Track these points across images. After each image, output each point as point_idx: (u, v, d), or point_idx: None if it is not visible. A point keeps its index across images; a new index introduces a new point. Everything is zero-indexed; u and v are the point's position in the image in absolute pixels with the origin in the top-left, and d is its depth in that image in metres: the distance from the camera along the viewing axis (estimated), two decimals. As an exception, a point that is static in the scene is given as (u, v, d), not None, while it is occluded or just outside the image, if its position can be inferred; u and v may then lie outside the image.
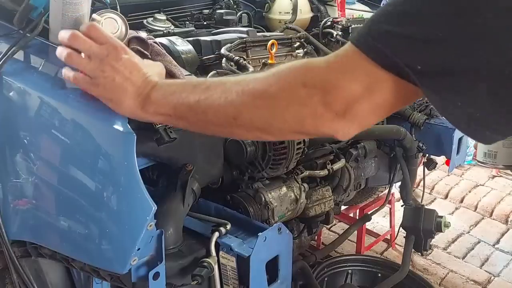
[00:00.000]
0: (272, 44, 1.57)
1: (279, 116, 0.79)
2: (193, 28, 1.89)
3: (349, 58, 0.74)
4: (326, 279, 2.27)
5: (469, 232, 3.30)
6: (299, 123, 0.79)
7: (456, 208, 3.58)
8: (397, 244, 3.06)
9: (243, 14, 2.15)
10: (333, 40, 2.05)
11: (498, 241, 3.19)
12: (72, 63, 1.00)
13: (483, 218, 3.46)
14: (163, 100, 0.94)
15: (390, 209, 3.01)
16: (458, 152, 1.99)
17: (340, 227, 3.15)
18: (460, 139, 1.96)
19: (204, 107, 0.88)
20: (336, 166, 1.72)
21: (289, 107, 0.78)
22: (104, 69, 0.97)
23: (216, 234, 1.21)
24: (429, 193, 3.73)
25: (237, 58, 1.57)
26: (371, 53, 0.71)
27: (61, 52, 1.00)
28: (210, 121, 0.89)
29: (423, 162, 2.25)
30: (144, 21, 1.81)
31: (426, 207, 1.91)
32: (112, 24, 1.12)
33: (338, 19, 2.09)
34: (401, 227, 1.96)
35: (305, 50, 1.86)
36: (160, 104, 0.94)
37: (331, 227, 3.16)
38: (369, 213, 2.54)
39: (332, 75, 0.75)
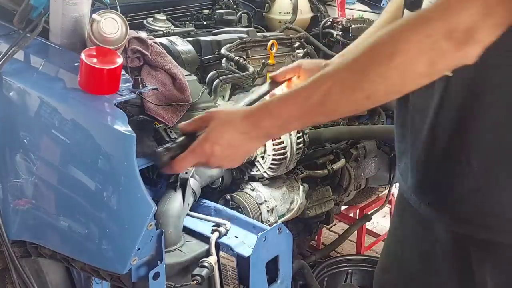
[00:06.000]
0: (272, 44, 1.57)
1: (411, 72, 0.80)
2: (193, 28, 1.89)
3: None
4: (326, 279, 2.26)
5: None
6: (432, 67, 0.79)
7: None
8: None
9: (243, 14, 2.15)
10: (333, 40, 2.05)
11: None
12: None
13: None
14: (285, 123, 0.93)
15: (390, 209, 3.01)
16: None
17: (340, 227, 3.14)
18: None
19: (329, 106, 0.87)
20: (336, 166, 1.72)
21: (419, 59, 0.78)
22: (215, 166, 1.01)
23: (216, 234, 1.21)
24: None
25: (237, 58, 1.57)
26: None
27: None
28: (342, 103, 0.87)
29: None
30: (144, 21, 1.81)
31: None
32: (112, 24, 1.12)
33: (338, 19, 2.09)
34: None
35: (305, 50, 1.86)
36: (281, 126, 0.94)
37: (331, 227, 3.16)
38: (369, 213, 2.54)
39: (448, 17, 0.76)
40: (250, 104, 1.17)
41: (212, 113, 0.99)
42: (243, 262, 1.18)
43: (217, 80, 1.43)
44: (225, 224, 1.24)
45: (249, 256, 1.16)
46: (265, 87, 1.22)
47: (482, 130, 0.87)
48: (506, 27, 0.75)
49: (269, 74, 1.27)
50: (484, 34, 0.75)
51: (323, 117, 0.96)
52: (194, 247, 1.22)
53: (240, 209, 1.43)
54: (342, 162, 1.74)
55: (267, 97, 1.21)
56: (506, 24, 0.75)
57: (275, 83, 1.21)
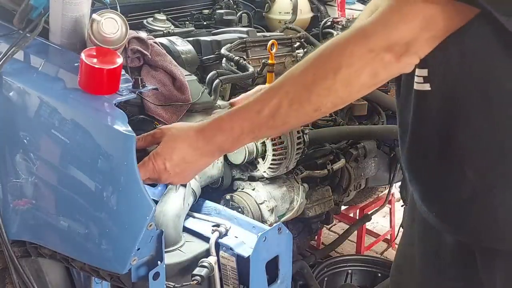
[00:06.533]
0: (272, 44, 1.57)
1: (355, 84, 0.84)
2: (193, 28, 1.89)
3: (399, 4, 0.79)
4: (326, 279, 2.26)
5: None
6: (375, 78, 0.84)
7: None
8: (397, 244, 3.06)
9: (243, 14, 2.15)
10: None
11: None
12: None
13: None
14: (235, 140, 0.95)
15: (390, 209, 3.01)
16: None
17: (340, 227, 3.14)
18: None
19: (279, 119, 0.89)
20: (336, 166, 1.72)
21: (363, 71, 0.83)
22: (165, 182, 1.02)
23: (216, 234, 1.21)
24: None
25: (237, 58, 1.57)
26: None
27: None
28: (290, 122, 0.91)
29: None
30: (144, 21, 1.82)
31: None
32: (112, 24, 1.12)
33: (338, 19, 2.09)
34: (401, 227, 1.96)
35: (305, 50, 1.86)
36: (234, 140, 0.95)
37: (331, 227, 3.16)
38: (369, 213, 2.54)
39: (389, 32, 0.80)
40: None
41: (163, 129, 1.00)
42: (243, 262, 1.18)
43: (217, 80, 1.43)
44: (225, 224, 1.24)
45: (249, 256, 1.16)
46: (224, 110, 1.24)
47: (468, 139, 0.88)
48: (442, 38, 0.81)
49: (230, 101, 1.31)
50: (422, 46, 0.81)
51: (274, 131, 0.97)
52: (194, 247, 1.22)
53: (240, 209, 1.43)
54: (342, 162, 1.75)
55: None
56: (442, 36, 0.81)
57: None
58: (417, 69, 0.89)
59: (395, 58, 0.81)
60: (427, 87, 0.90)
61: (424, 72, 0.89)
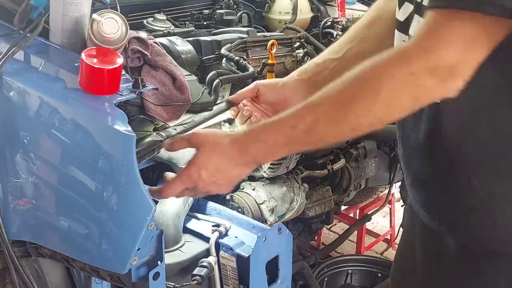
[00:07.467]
0: (272, 44, 1.57)
1: (395, 106, 0.83)
2: (193, 28, 1.89)
3: (438, 26, 0.77)
4: (326, 279, 2.26)
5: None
6: (416, 101, 0.82)
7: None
8: (397, 244, 3.06)
9: (243, 14, 2.15)
10: (333, 40, 2.04)
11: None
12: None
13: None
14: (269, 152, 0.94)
15: (390, 209, 3.01)
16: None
17: (340, 227, 3.14)
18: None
19: (315, 136, 0.88)
20: (336, 166, 1.72)
21: (404, 94, 0.81)
22: (203, 191, 0.99)
23: (216, 234, 1.21)
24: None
25: (237, 58, 1.57)
26: (467, 5, 0.74)
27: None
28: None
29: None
30: (144, 21, 1.81)
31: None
32: (112, 24, 1.12)
33: (338, 19, 2.09)
34: (401, 227, 1.96)
35: (305, 50, 1.86)
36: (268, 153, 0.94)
37: (331, 227, 3.16)
38: (369, 213, 2.54)
39: (430, 56, 0.78)
40: (204, 120, 1.21)
41: (199, 136, 0.99)
42: (243, 262, 1.18)
43: (217, 80, 1.43)
44: (225, 224, 1.24)
45: (249, 256, 1.16)
46: (222, 106, 1.26)
47: (477, 150, 0.88)
48: (485, 56, 0.78)
49: (227, 98, 1.30)
50: (465, 69, 0.78)
51: (308, 146, 0.96)
52: (194, 247, 1.22)
53: (240, 209, 1.43)
54: (342, 162, 1.75)
55: (223, 116, 1.28)
56: (484, 56, 0.78)
57: (232, 104, 1.23)
58: None
59: (438, 82, 0.78)
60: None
61: None
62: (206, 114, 1.26)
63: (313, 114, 0.87)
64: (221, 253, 1.20)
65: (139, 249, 1.04)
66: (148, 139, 1.09)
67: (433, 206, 1.01)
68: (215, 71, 1.47)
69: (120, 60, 1.08)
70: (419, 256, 1.15)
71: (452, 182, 0.93)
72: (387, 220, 3.17)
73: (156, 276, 1.06)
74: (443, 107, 0.89)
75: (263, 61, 1.62)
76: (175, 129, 1.17)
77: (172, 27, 1.82)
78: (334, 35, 2.01)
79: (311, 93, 1.34)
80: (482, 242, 0.94)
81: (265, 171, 1.48)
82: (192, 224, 1.28)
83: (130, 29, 1.17)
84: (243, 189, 1.49)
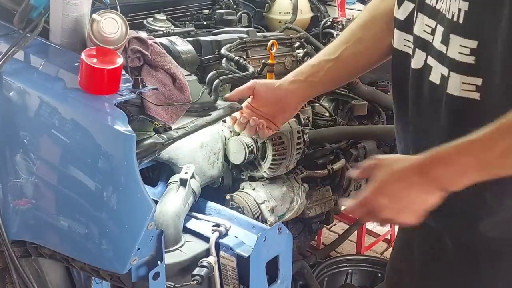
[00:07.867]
0: (272, 44, 1.57)
1: None
2: (193, 28, 1.89)
3: None
4: (326, 279, 2.26)
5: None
6: None
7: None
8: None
9: (243, 14, 2.15)
10: (333, 40, 2.04)
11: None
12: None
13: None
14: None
15: (390, 209, 3.00)
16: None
17: (340, 227, 3.14)
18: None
19: None
20: (336, 166, 1.72)
21: None
22: (386, 214, 0.94)
23: (216, 234, 1.21)
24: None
25: (237, 58, 1.57)
26: None
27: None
28: None
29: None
30: (144, 21, 1.81)
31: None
32: (112, 24, 1.12)
33: (338, 19, 2.09)
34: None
35: (305, 50, 1.86)
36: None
37: (331, 227, 3.16)
38: (369, 213, 2.53)
39: None
40: (206, 124, 1.22)
41: (380, 160, 0.95)
42: (243, 262, 1.18)
43: (217, 80, 1.43)
44: (225, 224, 1.24)
45: (249, 256, 1.16)
46: (222, 112, 1.29)
47: None
48: None
49: (224, 96, 1.31)
50: None
51: (504, 171, 0.86)
52: (194, 247, 1.22)
53: (240, 209, 1.43)
54: (342, 162, 1.75)
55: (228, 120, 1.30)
56: None
57: (233, 110, 1.23)
58: (465, 77, 0.86)
59: None
60: (476, 96, 0.86)
61: (478, 81, 0.86)
62: (208, 118, 1.26)
63: (508, 139, 0.81)
64: (221, 253, 1.20)
65: (139, 249, 1.04)
66: (148, 141, 1.09)
67: (438, 211, 1.01)
68: (215, 71, 1.47)
69: (120, 60, 1.08)
70: (416, 255, 1.14)
71: (463, 195, 0.92)
72: (387, 220, 3.16)
73: (156, 276, 1.06)
74: (460, 116, 0.88)
75: (263, 61, 1.62)
76: (176, 131, 1.17)
77: (172, 27, 1.82)
78: (334, 35, 2.02)
79: (307, 93, 1.34)
80: (482, 241, 0.94)
81: (265, 171, 1.48)
82: (192, 224, 1.28)
83: (130, 29, 1.17)
84: (243, 189, 1.49)
